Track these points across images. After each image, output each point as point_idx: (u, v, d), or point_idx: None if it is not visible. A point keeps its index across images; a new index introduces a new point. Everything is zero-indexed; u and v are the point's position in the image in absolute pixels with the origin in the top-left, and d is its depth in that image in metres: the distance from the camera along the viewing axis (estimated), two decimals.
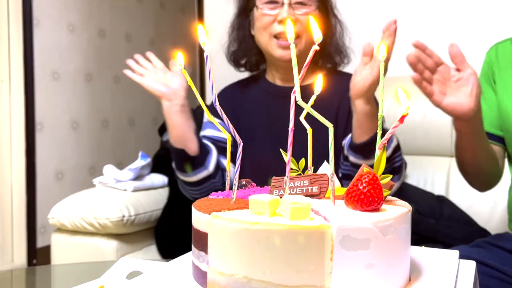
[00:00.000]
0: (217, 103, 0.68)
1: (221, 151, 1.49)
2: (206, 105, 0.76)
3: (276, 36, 1.41)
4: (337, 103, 1.44)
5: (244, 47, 1.53)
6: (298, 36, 1.41)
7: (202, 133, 1.54)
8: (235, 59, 1.57)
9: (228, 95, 1.58)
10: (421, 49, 1.11)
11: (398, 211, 0.61)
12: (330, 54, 1.51)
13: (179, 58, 0.73)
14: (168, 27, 3.55)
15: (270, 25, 1.41)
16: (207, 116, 0.73)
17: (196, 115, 1.55)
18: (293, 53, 0.64)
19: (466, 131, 1.19)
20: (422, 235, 1.50)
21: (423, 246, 0.78)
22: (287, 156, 0.66)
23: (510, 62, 1.30)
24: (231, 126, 0.69)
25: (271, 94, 1.52)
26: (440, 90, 1.12)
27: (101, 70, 3.05)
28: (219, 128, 1.35)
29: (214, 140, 1.50)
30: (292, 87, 0.64)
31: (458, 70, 1.13)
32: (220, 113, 0.68)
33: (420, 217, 1.52)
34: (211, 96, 0.68)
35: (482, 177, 1.32)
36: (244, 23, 1.52)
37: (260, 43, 1.47)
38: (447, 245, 1.43)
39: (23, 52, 2.58)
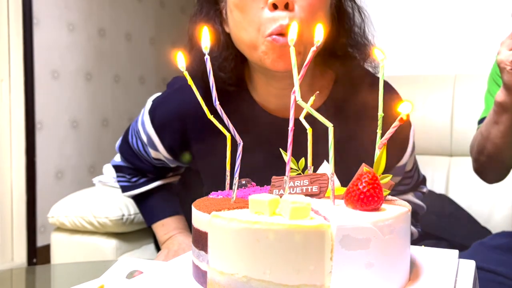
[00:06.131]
0: (217, 102, 0.68)
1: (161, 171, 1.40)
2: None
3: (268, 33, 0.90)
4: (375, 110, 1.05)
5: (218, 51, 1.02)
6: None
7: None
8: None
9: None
10: None
11: (398, 211, 0.61)
12: (347, 53, 1.04)
13: (180, 58, 0.72)
14: (168, 27, 3.55)
15: (257, 14, 0.91)
16: (207, 115, 0.73)
17: None
18: (292, 54, 0.64)
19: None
20: (424, 230, 1.50)
21: (423, 246, 0.78)
22: (287, 156, 0.66)
23: None
24: (231, 125, 0.69)
25: (264, 124, 1.07)
26: None
27: (101, 69, 3.05)
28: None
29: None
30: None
31: None
32: (220, 113, 0.68)
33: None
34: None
35: (499, 165, 1.29)
36: (212, 15, 1.03)
37: (240, 45, 0.98)
38: (449, 241, 1.43)
39: (23, 51, 2.57)
